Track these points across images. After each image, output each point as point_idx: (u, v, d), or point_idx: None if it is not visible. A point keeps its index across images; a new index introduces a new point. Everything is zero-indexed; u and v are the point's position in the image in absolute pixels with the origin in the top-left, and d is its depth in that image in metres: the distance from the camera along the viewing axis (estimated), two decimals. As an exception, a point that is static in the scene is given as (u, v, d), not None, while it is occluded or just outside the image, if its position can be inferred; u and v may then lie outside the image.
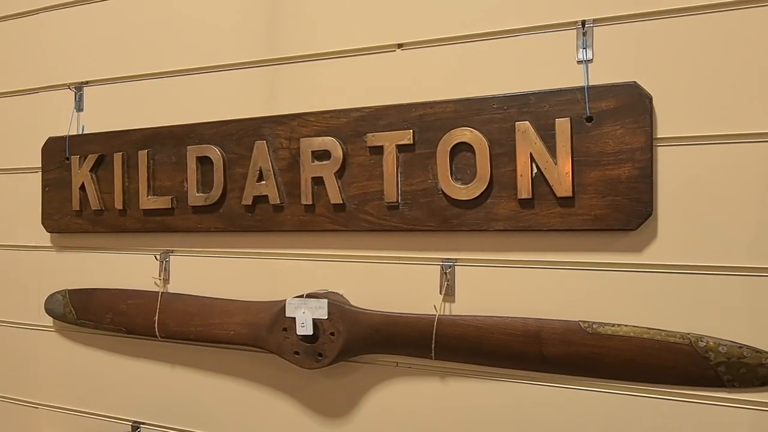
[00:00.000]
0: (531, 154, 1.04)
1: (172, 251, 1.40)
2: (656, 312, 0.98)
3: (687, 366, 0.95)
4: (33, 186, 1.56)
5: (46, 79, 1.55)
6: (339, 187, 1.19)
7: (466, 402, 1.12)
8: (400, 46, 1.18)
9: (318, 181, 1.21)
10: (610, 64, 1.02)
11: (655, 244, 0.99)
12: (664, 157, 0.98)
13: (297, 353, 1.19)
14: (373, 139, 1.16)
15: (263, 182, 1.26)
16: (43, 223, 1.53)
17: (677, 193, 0.98)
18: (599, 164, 1.00)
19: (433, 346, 1.10)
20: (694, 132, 0.97)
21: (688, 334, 0.96)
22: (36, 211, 1.55)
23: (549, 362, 1.04)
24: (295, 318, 1.18)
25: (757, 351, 0.92)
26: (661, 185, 0.99)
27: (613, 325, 1.00)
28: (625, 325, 0.99)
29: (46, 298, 1.53)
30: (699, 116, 0.97)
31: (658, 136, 0.99)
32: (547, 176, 1.03)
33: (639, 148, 0.98)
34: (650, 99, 0.98)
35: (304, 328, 1.17)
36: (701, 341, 0.95)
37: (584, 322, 1.02)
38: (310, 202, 1.22)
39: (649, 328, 0.98)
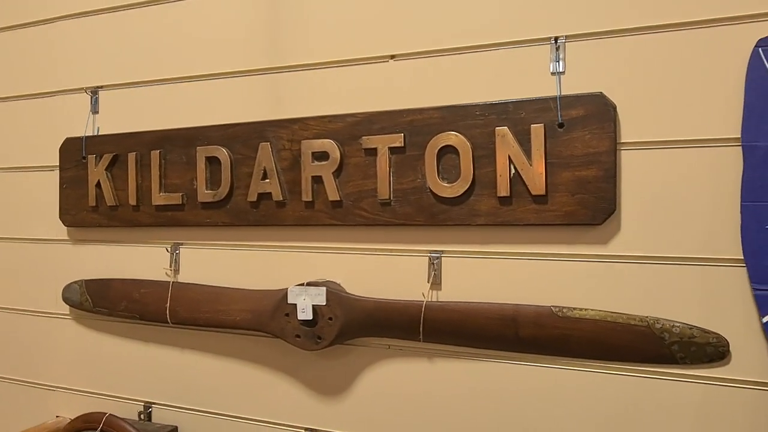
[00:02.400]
0: (509, 156, 1.16)
1: (182, 244, 1.51)
2: (619, 298, 1.10)
3: (645, 345, 1.07)
4: (50, 183, 1.67)
5: (64, 83, 1.66)
6: (336, 186, 1.30)
7: (450, 379, 1.24)
8: (392, 57, 1.30)
9: (317, 180, 1.32)
10: (580, 77, 1.13)
11: (618, 238, 1.11)
12: (627, 159, 1.10)
13: (298, 336, 1.31)
14: (368, 141, 1.27)
15: (267, 180, 1.37)
16: (60, 218, 1.64)
17: (638, 192, 1.09)
18: (569, 166, 1.12)
19: (421, 329, 1.22)
20: (654, 137, 1.09)
21: (646, 317, 1.07)
22: (53, 206, 1.66)
23: (524, 343, 1.16)
24: (296, 304, 1.30)
25: (705, 331, 1.04)
26: (623, 185, 1.10)
27: (581, 309, 1.12)
28: (592, 310, 1.11)
29: (63, 287, 1.64)
30: (658, 123, 1.08)
31: (622, 141, 1.10)
32: (523, 176, 1.15)
33: (604, 151, 1.09)
34: (614, 108, 1.09)
35: (305, 314, 1.29)
36: (657, 323, 1.07)
37: (555, 306, 1.13)
38: (310, 199, 1.33)
39: (612, 312, 1.10)
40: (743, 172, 1.01)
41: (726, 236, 1.03)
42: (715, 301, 1.04)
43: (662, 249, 1.08)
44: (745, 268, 1.01)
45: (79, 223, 1.62)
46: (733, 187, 1.02)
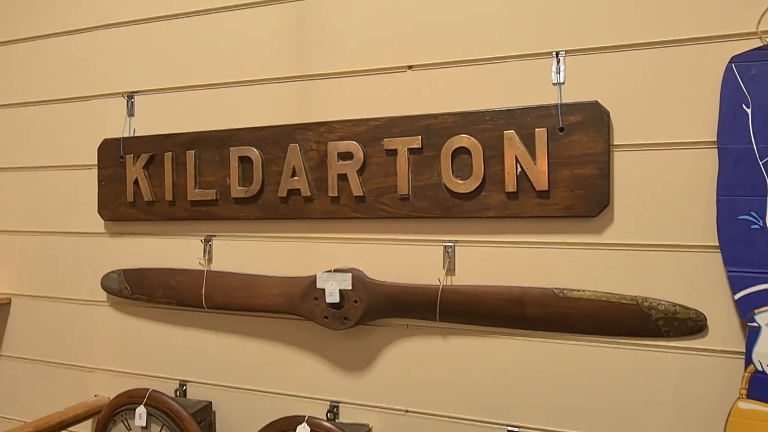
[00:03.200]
0: (516, 156, 1.31)
1: (215, 236, 1.66)
2: (612, 280, 1.26)
3: (635, 321, 1.24)
4: (88, 180, 1.81)
5: (101, 87, 1.79)
6: (360, 183, 1.45)
7: (464, 355, 1.39)
8: (410, 67, 1.44)
9: (342, 178, 1.47)
10: (578, 87, 1.29)
11: (611, 228, 1.27)
12: (619, 159, 1.26)
13: (326, 318, 1.46)
14: (389, 143, 1.42)
15: (296, 178, 1.52)
16: (99, 213, 1.78)
17: (629, 188, 1.25)
18: (569, 165, 1.27)
19: (437, 310, 1.37)
20: (643, 140, 1.24)
21: (636, 296, 1.24)
22: (92, 202, 1.79)
23: (529, 321, 1.32)
24: (324, 289, 1.45)
25: (686, 308, 1.20)
26: (616, 182, 1.26)
27: (579, 290, 1.28)
28: (588, 291, 1.27)
29: (102, 277, 1.78)
30: (646, 128, 1.24)
31: (615, 143, 1.26)
32: (528, 174, 1.30)
33: (599, 152, 1.25)
34: (608, 114, 1.25)
35: (332, 297, 1.44)
36: (645, 302, 1.23)
37: (557, 288, 1.29)
38: (336, 195, 1.48)
39: (606, 293, 1.26)
40: (719, 170, 1.17)
41: (704, 226, 1.19)
42: (694, 281, 1.21)
43: (650, 237, 1.24)
44: (720, 253, 1.17)
45: (117, 217, 1.76)
46: (710, 184, 1.18)
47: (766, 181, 1.14)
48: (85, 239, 1.83)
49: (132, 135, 1.75)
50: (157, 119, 1.73)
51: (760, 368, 1.12)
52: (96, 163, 1.78)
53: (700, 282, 1.20)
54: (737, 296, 1.15)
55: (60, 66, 1.86)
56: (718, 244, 1.17)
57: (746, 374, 1.13)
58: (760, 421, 1.11)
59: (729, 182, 1.16)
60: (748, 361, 1.13)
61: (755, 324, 1.13)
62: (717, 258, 1.18)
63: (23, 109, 1.92)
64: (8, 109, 1.94)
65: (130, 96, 1.76)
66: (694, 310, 1.20)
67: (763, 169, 1.14)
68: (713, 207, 1.18)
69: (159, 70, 1.72)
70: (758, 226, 1.14)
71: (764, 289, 1.12)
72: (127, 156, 1.72)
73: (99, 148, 1.78)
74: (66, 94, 1.84)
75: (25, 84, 1.91)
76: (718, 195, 1.17)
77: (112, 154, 1.76)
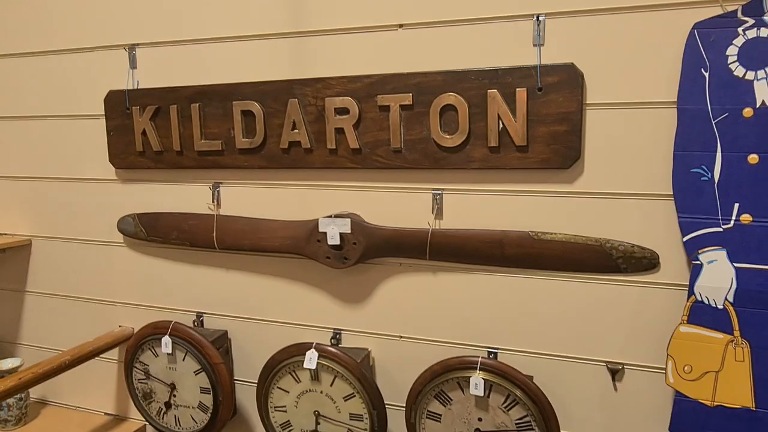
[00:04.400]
0: (498, 114, 1.44)
1: (222, 183, 1.80)
2: (580, 224, 1.44)
3: (598, 260, 1.42)
4: (97, 130, 1.91)
5: (103, 39, 1.85)
6: (356, 136, 1.58)
7: (451, 289, 1.59)
8: (401, 26, 1.53)
9: (340, 131, 1.59)
10: (556, 49, 1.40)
11: (581, 178, 1.43)
12: (591, 117, 1.40)
13: (328, 257, 1.64)
14: (382, 100, 1.54)
15: (296, 131, 1.64)
16: (110, 161, 1.89)
17: (598, 143, 1.40)
18: (545, 122, 1.41)
19: (427, 250, 1.55)
20: (612, 100, 1.37)
21: (600, 238, 1.42)
22: (102, 150, 1.91)
23: (508, 260, 1.50)
24: (326, 232, 1.61)
25: (642, 248, 1.39)
26: (587, 137, 1.41)
27: (552, 233, 1.46)
28: (559, 234, 1.45)
29: (117, 220, 1.93)
30: (615, 89, 1.37)
31: (587, 102, 1.39)
32: (509, 130, 1.44)
33: (573, 111, 1.39)
34: (582, 76, 1.38)
35: (333, 240, 1.61)
36: (608, 243, 1.41)
37: (532, 232, 1.47)
38: (334, 147, 1.61)
39: (574, 235, 1.44)
40: (677, 128, 1.32)
41: (661, 177, 1.36)
42: (650, 225, 1.38)
43: (614, 187, 1.40)
44: (674, 201, 1.34)
45: (127, 165, 1.88)
46: (669, 140, 1.33)
47: (716, 139, 1.29)
48: (99, 185, 1.96)
49: (136, 87, 1.84)
50: (159, 72, 1.81)
51: (699, 299, 1.32)
52: (103, 113, 1.88)
53: (656, 226, 1.38)
54: (685, 238, 1.33)
55: (62, 16, 1.90)
56: (672, 193, 1.34)
57: (688, 304, 1.33)
58: (696, 341, 1.33)
59: (685, 139, 1.31)
60: (691, 292, 1.33)
61: (698, 262, 1.32)
62: (671, 205, 1.35)
63: (32, 59, 1.98)
64: (10, 59, 2.00)
65: (132, 48, 1.83)
66: (649, 249, 1.39)
67: (715, 127, 1.29)
68: (670, 161, 1.33)
69: (159, 23, 1.79)
70: (707, 178, 1.30)
71: (708, 233, 1.31)
72: (133, 108, 1.82)
73: (105, 99, 1.87)
74: (69, 45, 1.90)
75: (27, 34, 1.96)
76: (675, 150, 1.32)
77: (119, 106, 1.85)
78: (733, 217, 1.29)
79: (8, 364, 1.97)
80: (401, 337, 1.66)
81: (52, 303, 2.11)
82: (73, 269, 2.05)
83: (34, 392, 2.13)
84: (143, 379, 1.85)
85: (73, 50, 1.90)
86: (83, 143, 1.95)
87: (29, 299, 2.15)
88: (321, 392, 1.64)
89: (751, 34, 1.25)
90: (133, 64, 1.84)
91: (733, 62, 1.26)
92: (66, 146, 1.98)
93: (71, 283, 2.06)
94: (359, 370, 1.58)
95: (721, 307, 1.31)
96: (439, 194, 1.55)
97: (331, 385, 1.62)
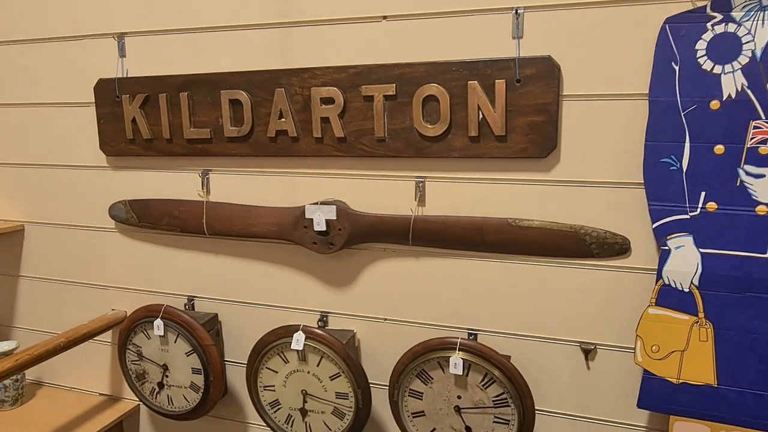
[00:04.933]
0: (478, 104, 1.49)
1: (211, 170, 1.84)
2: (555, 211, 1.50)
3: (572, 245, 1.49)
4: (86, 117, 1.94)
5: (92, 28, 1.88)
6: (341, 125, 1.62)
7: (432, 273, 1.65)
8: (384, 17, 1.57)
9: (325, 120, 1.63)
10: (534, 42, 1.45)
11: (557, 167, 1.48)
12: (567, 108, 1.45)
13: (315, 243, 1.69)
14: (366, 90, 1.58)
15: (283, 120, 1.68)
16: (101, 148, 1.93)
17: (574, 133, 1.45)
18: (524, 113, 1.46)
19: (410, 236, 1.61)
20: (587, 92, 1.42)
21: (574, 225, 1.48)
22: (93, 138, 1.94)
23: (487, 245, 1.56)
24: (312, 219, 1.67)
25: (615, 234, 1.45)
26: (564, 128, 1.46)
27: (529, 220, 1.52)
28: (536, 220, 1.51)
29: (108, 206, 1.97)
30: (591, 81, 1.42)
31: (564, 94, 1.44)
32: (488, 120, 1.49)
33: (550, 102, 1.44)
34: (559, 68, 1.42)
35: (320, 226, 1.66)
36: (582, 229, 1.47)
37: (511, 218, 1.53)
38: (320, 136, 1.66)
39: (551, 222, 1.50)
40: (648, 119, 1.37)
41: (633, 166, 1.41)
42: (622, 212, 1.45)
43: (588, 175, 1.46)
44: (645, 189, 1.40)
45: (118, 153, 1.92)
46: (640, 131, 1.38)
47: (685, 130, 1.35)
48: (90, 172, 2.00)
49: (125, 76, 1.87)
50: (147, 61, 1.84)
51: (667, 282, 1.39)
52: (93, 101, 1.91)
53: (627, 213, 1.44)
54: (655, 225, 1.40)
55: (52, 5, 1.92)
56: (643, 181, 1.40)
57: (656, 287, 1.40)
58: (663, 323, 1.40)
59: (656, 130, 1.37)
60: (659, 276, 1.40)
61: (666, 248, 1.38)
62: (641, 193, 1.41)
63: (22, 47, 2.00)
64: (0, 47, 2.03)
65: (121, 37, 1.86)
66: (621, 236, 1.45)
67: (684, 119, 1.35)
68: (641, 150, 1.39)
69: (148, 12, 1.81)
70: (675, 168, 1.36)
71: (676, 220, 1.37)
72: (123, 96, 1.85)
73: (95, 87, 1.90)
74: (59, 34, 1.92)
75: (17, 22, 1.98)
76: (646, 140, 1.38)
77: (108, 94, 1.88)
78: (700, 205, 1.35)
79: (4, 346, 2.02)
80: (385, 319, 1.73)
81: (46, 287, 2.16)
82: (67, 254, 2.09)
83: (30, 374, 2.19)
84: (136, 361, 1.91)
85: (62, 38, 1.93)
86: (74, 131, 1.98)
87: (24, 284, 2.20)
88: (308, 372, 1.70)
89: (720, 29, 1.30)
90: (122, 53, 1.87)
91: (702, 56, 1.32)
92: (57, 133, 2.01)
93: (65, 268, 2.11)
94: (344, 351, 1.64)
95: (687, 290, 1.37)
96: (421, 182, 1.61)
97: (318, 365, 1.68)
